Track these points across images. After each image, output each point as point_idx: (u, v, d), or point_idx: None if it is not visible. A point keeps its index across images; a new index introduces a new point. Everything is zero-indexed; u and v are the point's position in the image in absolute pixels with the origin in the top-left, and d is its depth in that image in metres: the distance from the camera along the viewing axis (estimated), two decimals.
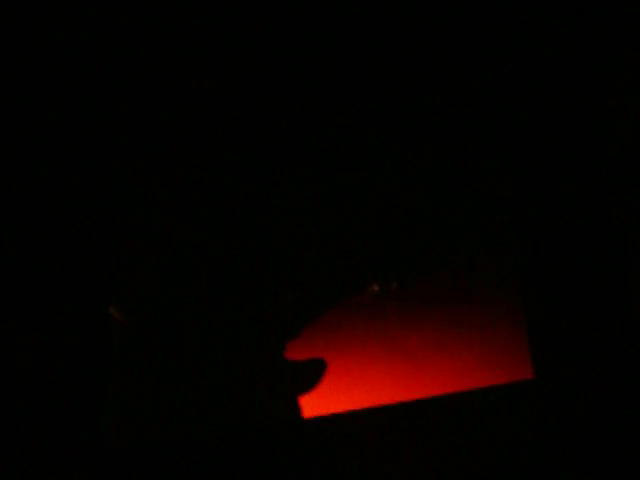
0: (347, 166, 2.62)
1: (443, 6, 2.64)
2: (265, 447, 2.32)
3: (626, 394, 2.45)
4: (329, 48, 2.63)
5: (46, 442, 2.16)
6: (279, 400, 2.38)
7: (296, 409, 2.36)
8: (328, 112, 2.62)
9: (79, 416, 2.21)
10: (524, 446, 2.40)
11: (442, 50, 2.65)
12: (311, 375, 2.41)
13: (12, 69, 2.35)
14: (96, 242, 2.34)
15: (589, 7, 2.64)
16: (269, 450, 2.32)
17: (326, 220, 2.57)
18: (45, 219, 2.31)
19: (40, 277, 2.26)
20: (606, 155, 2.59)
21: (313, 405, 2.40)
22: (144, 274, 2.40)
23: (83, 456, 2.18)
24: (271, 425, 2.37)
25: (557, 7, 2.65)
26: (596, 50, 2.65)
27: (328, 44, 2.62)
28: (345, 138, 2.63)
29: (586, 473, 2.39)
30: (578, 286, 2.52)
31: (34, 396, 2.19)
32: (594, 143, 2.61)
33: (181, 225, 2.47)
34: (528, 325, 2.51)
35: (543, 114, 2.65)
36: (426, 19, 2.64)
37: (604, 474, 2.39)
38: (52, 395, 2.21)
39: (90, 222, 2.35)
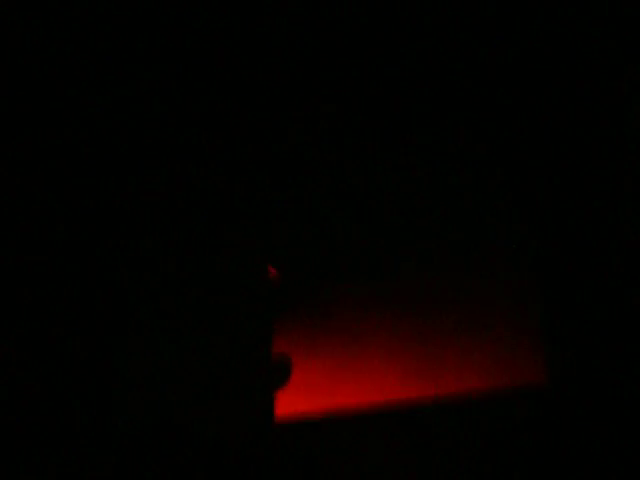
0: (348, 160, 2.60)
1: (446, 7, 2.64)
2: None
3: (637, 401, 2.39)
4: (326, 47, 2.63)
5: (58, 426, 2.12)
6: (262, 398, 2.26)
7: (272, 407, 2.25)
8: (317, 108, 2.61)
9: (89, 402, 2.17)
10: (531, 449, 2.35)
11: (445, 53, 2.64)
12: (279, 372, 2.27)
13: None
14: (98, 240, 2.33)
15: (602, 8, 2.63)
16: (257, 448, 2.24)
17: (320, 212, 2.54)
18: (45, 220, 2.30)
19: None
20: (622, 160, 2.56)
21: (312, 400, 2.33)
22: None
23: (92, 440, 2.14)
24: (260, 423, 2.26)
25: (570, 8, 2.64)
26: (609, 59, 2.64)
27: (324, 43, 2.63)
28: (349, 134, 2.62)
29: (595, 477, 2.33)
30: (595, 292, 2.48)
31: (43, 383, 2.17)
32: (610, 148, 2.59)
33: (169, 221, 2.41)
34: (543, 331, 2.48)
35: (554, 118, 2.63)
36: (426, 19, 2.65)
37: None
38: (62, 380, 2.18)
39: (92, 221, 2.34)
